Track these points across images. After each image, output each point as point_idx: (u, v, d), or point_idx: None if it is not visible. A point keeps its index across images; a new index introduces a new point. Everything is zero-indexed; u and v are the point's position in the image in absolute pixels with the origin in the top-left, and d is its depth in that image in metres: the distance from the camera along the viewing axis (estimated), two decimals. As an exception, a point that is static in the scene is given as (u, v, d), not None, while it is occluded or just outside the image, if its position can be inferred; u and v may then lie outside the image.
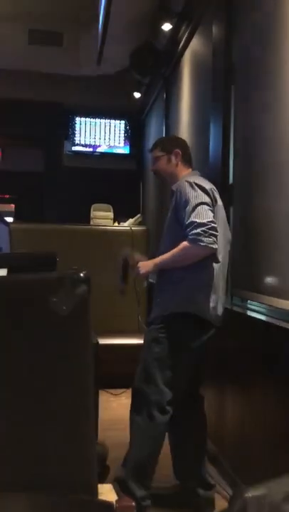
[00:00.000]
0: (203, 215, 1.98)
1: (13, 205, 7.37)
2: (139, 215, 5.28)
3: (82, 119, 6.51)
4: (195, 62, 3.65)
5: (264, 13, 2.29)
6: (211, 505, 2.18)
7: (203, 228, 1.95)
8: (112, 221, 5.38)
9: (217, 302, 2.07)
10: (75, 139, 6.50)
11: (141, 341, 4.10)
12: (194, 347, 2.05)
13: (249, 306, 2.31)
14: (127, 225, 4.93)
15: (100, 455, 1.63)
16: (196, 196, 2.03)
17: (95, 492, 0.75)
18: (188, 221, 1.99)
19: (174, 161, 2.29)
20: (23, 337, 0.75)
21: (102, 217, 5.45)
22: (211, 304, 2.04)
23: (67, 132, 6.51)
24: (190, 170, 2.32)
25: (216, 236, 1.97)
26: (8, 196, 7.24)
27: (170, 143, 2.39)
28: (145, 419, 2.03)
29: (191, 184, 2.07)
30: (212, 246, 1.96)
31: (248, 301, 2.32)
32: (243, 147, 2.57)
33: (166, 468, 2.27)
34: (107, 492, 0.83)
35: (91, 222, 5.35)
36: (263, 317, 2.11)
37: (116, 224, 5.25)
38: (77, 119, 6.50)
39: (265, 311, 2.11)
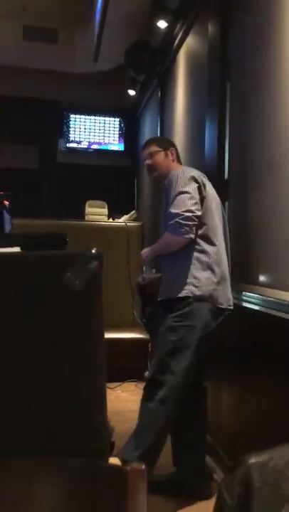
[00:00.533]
0: (179, 204, 2.06)
1: (7, 202, 7.37)
2: (133, 212, 5.32)
3: (77, 116, 6.52)
4: (190, 59, 3.69)
5: (260, 10, 2.34)
6: (207, 494, 2.22)
7: (176, 219, 2.03)
8: (106, 217, 5.41)
9: (218, 284, 2.12)
10: (70, 135, 6.51)
11: (136, 335, 4.14)
12: (206, 333, 2.10)
13: (244, 297, 2.35)
14: (121, 221, 4.97)
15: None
16: (177, 185, 2.11)
17: (106, 458, 0.78)
18: (168, 212, 2.09)
19: (170, 157, 2.39)
20: (36, 308, 0.78)
21: (97, 213, 5.48)
22: (212, 287, 2.09)
23: (62, 129, 6.52)
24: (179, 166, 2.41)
25: (189, 226, 2.04)
26: (2, 193, 7.24)
27: (165, 141, 2.52)
28: (157, 403, 2.06)
29: (177, 173, 2.17)
30: (185, 236, 2.05)
31: (243, 293, 2.36)
32: (239, 143, 2.61)
33: (165, 456, 2.30)
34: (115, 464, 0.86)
35: (86, 219, 5.38)
36: (258, 307, 2.15)
37: (111, 220, 5.28)
38: (72, 116, 6.51)
39: (260, 302, 2.15)
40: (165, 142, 2.49)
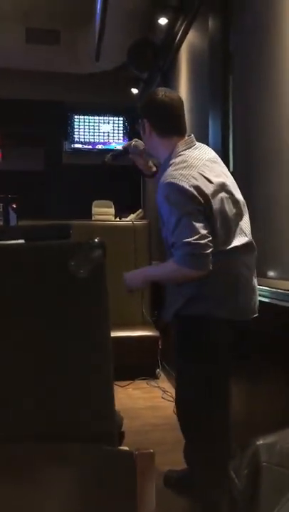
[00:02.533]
0: (187, 231, 1.63)
1: (14, 205, 7.41)
2: (140, 210, 5.32)
3: (81, 116, 6.56)
4: (192, 55, 3.69)
5: (260, 2, 2.33)
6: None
7: (190, 250, 1.63)
8: (113, 217, 5.43)
9: None
10: (74, 136, 6.55)
11: (145, 333, 4.14)
12: None
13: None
14: (128, 220, 4.98)
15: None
16: (177, 203, 1.65)
17: (116, 443, 0.79)
18: (173, 240, 1.68)
19: (147, 131, 1.85)
20: (44, 297, 0.79)
21: (104, 213, 5.50)
22: None
23: (67, 130, 6.55)
24: (173, 141, 1.81)
25: (207, 256, 1.64)
26: (9, 196, 7.28)
27: (143, 107, 1.88)
28: None
29: (172, 183, 1.67)
30: (203, 270, 1.65)
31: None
32: (243, 135, 2.60)
33: (178, 452, 2.30)
34: (124, 454, 0.87)
35: (93, 219, 5.39)
36: (267, 300, 2.15)
37: (118, 219, 5.29)
38: (76, 116, 6.54)
39: (268, 294, 2.15)
40: (142, 110, 1.86)
